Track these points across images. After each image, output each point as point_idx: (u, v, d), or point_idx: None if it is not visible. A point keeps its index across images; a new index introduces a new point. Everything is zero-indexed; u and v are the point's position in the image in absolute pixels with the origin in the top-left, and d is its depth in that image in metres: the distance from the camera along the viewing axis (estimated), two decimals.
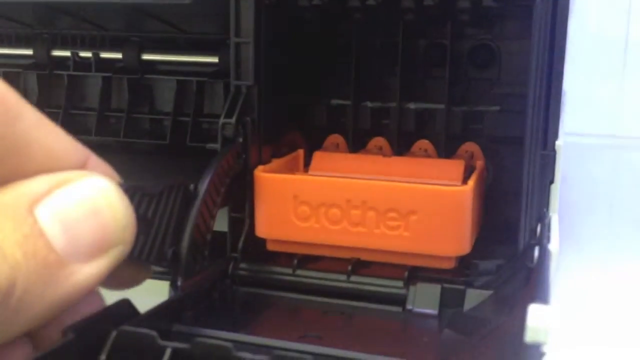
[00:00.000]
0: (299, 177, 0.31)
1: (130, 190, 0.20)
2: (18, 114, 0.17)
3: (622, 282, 0.40)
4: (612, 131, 0.70)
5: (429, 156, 0.36)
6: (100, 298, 0.21)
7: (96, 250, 0.18)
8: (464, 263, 0.30)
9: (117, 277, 0.20)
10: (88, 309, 0.20)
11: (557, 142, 0.30)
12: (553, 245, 0.23)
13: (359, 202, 0.29)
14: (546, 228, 0.26)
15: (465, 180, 0.32)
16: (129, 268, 0.21)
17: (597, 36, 0.67)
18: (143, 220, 0.22)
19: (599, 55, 0.67)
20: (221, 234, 0.31)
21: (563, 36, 0.30)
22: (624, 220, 0.52)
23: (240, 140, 0.31)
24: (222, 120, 0.31)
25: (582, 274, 0.39)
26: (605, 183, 0.61)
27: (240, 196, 0.32)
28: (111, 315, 0.21)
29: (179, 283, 0.26)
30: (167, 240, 0.25)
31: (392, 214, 0.29)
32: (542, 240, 0.24)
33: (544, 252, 0.22)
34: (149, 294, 0.26)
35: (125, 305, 0.23)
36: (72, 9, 0.38)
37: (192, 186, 0.28)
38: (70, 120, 0.43)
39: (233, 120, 0.30)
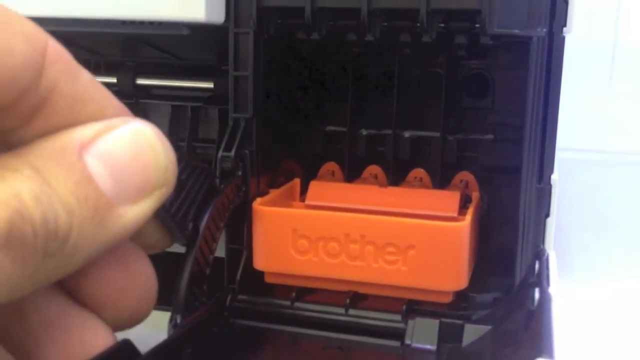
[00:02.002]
0: (298, 211, 0.31)
1: (174, 145, 0.21)
2: (77, 72, 0.18)
3: (610, 299, 0.40)
4: (600, 146, 0.70)
5: (423, 185, 0.37)
6: (145, 257, 0.21)
7: (141, 192, 0.19)
8: (461, 295, 0.31)
9: (144, 237, 0.21)
10: (136, 266, 0.21)
11: (553, 176, 0.31)
12: (553, 288, 0.23)
13: (358, 237, 0.30)
14: (544, 266, 0.26)
15: (460, 212, 0.32)
16: (156, 230, 0.22)
17: (584, 45, 0.66)
18: (178, 178, 0.23)
19: (586, 65, 0.67)
20: (217, 259, 0.31)
21: (559, 71, 0.30)
22: (612, 238, 0.53)
23: (240, 173, 0.31)
24: (220, 153, 0.31)
25: (569, 291, 0.40)
26: (593, 200, 0.62)
27: (237, 226, 0.32)
28: (113, 357, 0.21)
29: (178, 321, 0.26)
30: (191, 213, 0.26)
31: (390, 249, 0.29)
32: (541, 281, 0.24)
33: (545, 296, 0.22)
34: (150, 327, 0.26)
35: (126, 347, 0.23)
36: (67, 37, 0.38)
37: (217, 181, 0.29)
38: None
39: (232, 153, 0.31)
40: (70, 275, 0.18)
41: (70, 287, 0.20)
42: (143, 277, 0.21)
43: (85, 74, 0.18)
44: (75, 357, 0.20)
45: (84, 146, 0.18)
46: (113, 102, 0.19)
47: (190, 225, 0.27)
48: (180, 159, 0.25)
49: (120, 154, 0.18)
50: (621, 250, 0.50)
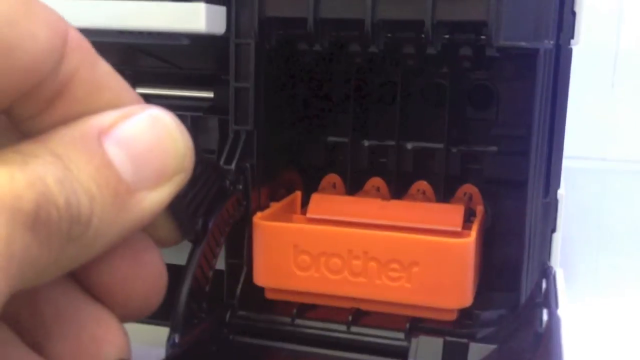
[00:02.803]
0: (299, 226, 0.30)
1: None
2: (96, 60, 0.18)
3: (613, 313, 0.39)
4: (601, 154, 0.69)
5: (427, 198, 0.36)
6: (155, 248, 0.21)
7: (160, 178, 0.19)
8: (465, 312, 0.30)
9: (154, 230, 0.21)
10: (146, 256, 0.21)
11: (559, 191, 0.30)
12: (562, 310, 0.22)
13: (360, 253, 0.29)
14: (552, 285, 0.25)
15: (464, 225, 0.32)
16: (166, 222, 0.22)
17: (585, 52, 0.65)
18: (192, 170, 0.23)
19: (587, 71, 0.66)
20: (216, 272, 0.30)
21: (565, 84, 0.30)
22: (614, 249, 0.52)
23: (240, 187, 0.30)
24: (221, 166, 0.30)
25: (570, 305, 0.39)
26: (594, 208, 0.61)
27: (237, 241, 0.31)
28: None
29: (176, 340, 0.26)
30: (201, 208, 0.26)
31: (393, 265, 0.29)
32: (549, 302, 0.23)
33: (554, 319, 0.22)
34: (148, 343, 0.26)
35: None
36: None
37: (227, 182, 0.28)
38: None
39: (232, 166, 0.30)
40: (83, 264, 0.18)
41: (81, 276, 0.20)
42: (153, 267, 0.21)
43: (103, 63, 0.18)
44: (86, 351, 0.20)
45: (103, 132, 0.18)
46: (129, 90, 0.19)
47: (200, 221, 0.26)
48: (195, 153, 0.25)
49: (139, 140, 0.18)
50: (624, 262, 0.49)
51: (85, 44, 0.18)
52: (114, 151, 0.18)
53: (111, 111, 0.18)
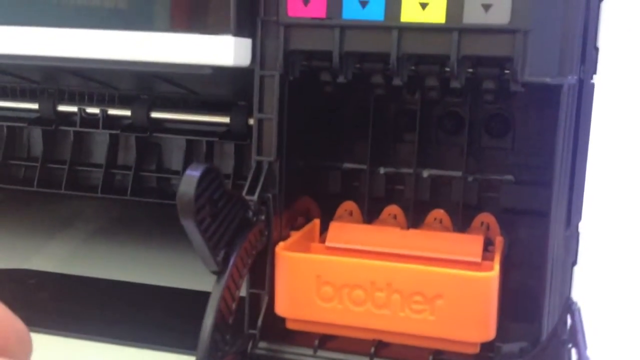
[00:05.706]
0: (322, 258, 0.30)
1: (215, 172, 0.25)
2: None
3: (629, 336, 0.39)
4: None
5: (444, 227, 0.36)
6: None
7: None
8: (486, 343, 0.30)
9: None
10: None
11: (580, 223, 0.30)
12: (592, 352, 0.22)
13: (384, 284, 0.29)
14: (578, 321, 0.25)
15: (483, 255, 0.32)
16: None
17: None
18: (214, 203, 0.26)
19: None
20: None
21: (588, 118, 0.30)
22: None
23: (263, 217, 0.30)
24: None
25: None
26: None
27: (258, 270, 0.31)
28: None
29: None
30: (223, 240, 0.27)
31: (417, 298, 0.29)
32: (577, 341, 0.23)
33: None
34: None
35: None
36: (81, 71, 0.37)
37: (250, 213, 0.29)
38: (75, 176, 0.43)
39: (255, 197, 0.30)
40: None
41: None
42: None
43: None
44: None
45: None
46: None
47: (222, 253, 0.27)
48: (218, 186, 0.26)
49: None
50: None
51: None
52: None
53: None
